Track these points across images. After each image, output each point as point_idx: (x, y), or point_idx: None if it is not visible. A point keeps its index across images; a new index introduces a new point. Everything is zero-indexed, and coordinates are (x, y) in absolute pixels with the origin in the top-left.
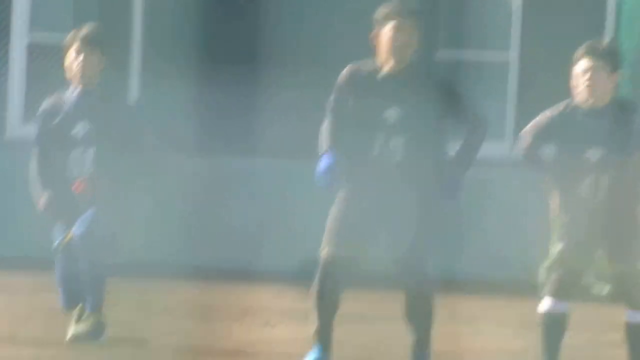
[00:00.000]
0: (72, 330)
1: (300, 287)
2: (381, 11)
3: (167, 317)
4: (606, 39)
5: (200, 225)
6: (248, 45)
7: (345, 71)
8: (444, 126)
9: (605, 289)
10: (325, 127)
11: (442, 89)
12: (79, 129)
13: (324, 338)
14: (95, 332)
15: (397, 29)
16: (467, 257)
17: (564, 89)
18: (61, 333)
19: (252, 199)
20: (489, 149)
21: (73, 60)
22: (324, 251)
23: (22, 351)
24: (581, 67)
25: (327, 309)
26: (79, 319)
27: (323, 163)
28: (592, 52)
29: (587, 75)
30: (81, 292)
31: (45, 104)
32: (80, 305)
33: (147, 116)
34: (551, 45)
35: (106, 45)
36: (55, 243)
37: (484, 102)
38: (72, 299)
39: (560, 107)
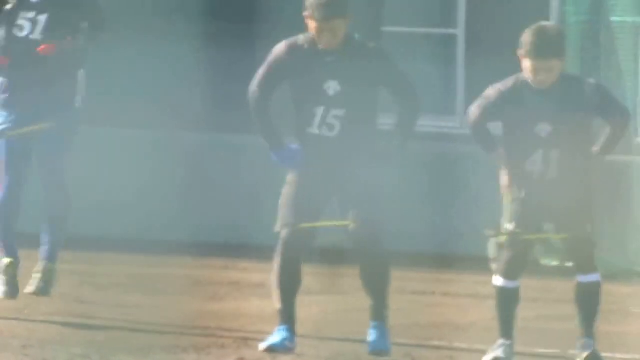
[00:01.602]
0: None
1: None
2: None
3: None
4: (551, 24)
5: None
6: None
7: (281, 47)
8: (377, 97)
9: (554, 261)
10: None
11: (376, 60)
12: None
13: (288, 318)
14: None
15: (323, 25)
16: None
17: (511, 62)
18: None
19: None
20: None
21: None
22: (282, 230)
23: None
24: (528, 66)
25: (289, 286)
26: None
27: (288, 155)
28: (538, 54)
29: (536, 75)
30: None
31: None
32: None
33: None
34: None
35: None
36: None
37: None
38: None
39: (509, 82)
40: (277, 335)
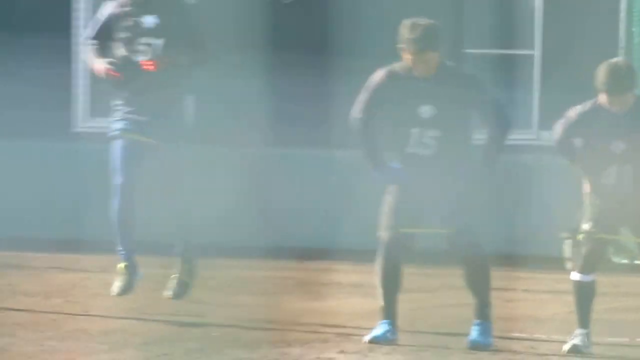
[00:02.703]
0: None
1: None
2: (404, 34)
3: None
4: (621, 60)
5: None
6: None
7: (380, 74)
8: (469, 118)
9: (624, 259)
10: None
11: (468, 86)
12: (147, 21)
13: (390, 313)
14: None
15: (417, 57)
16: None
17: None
18: None
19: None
20: None
21: None
22: (384, 233)
23: None
24: (604, 98)
25: (391, 285)
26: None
27: (389, 173)
28: (611, 91)
29: (612, 106)
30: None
31: (111, 6)
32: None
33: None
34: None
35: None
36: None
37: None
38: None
39: (587, 105)
40: (379, 329)
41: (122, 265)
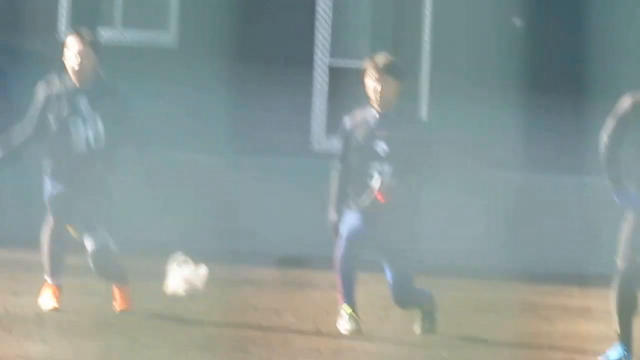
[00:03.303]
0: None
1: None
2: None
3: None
4: None
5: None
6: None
7: (627, 101)
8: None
9: None
10: None
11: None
12: (379, 147)
13: (626, 338)
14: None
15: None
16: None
17: None
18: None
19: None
20: None
21: (372, 86)
22: (620, 261)
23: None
24: None
25: (625, 311)
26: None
27: (628, 198)
28: None
29: None
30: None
31: (348, 121)
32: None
33: (437, 134)
34: None
35: (401, 73)
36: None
37: None
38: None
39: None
40: (615, 351)
41: (347, 309)
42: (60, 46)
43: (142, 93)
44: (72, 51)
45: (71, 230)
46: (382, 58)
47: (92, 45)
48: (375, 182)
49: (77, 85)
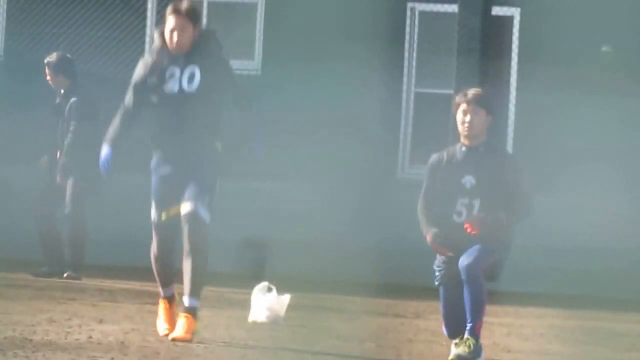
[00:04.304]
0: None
1: None
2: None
3: None
4: None
5: None
6: None
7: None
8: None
9: None
10: None
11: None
12: (466, 181)
13: None
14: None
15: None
16: None
17: None
18: None
19: None
20: None
21: (461, 118)
22: None
23: None
24: None
25: None
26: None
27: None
28: None
29: None
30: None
31: (435, 157)
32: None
33: (521, 166)
34: None
35: (490, 105)
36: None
37: None
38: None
39: None
40: None
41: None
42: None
43: None
44: (169, 26)
45: (172, 211)
46: (472, 90)
47: (190, 17)
48: (463, 215)
49: (176, 52)
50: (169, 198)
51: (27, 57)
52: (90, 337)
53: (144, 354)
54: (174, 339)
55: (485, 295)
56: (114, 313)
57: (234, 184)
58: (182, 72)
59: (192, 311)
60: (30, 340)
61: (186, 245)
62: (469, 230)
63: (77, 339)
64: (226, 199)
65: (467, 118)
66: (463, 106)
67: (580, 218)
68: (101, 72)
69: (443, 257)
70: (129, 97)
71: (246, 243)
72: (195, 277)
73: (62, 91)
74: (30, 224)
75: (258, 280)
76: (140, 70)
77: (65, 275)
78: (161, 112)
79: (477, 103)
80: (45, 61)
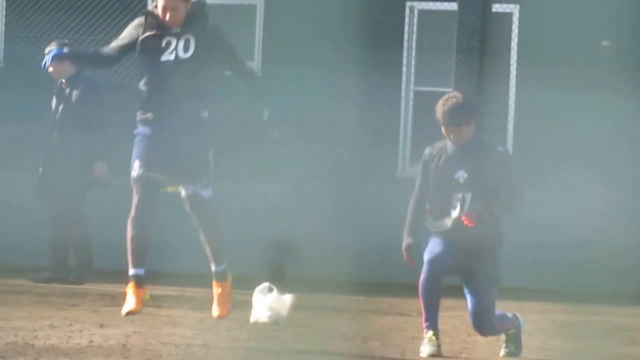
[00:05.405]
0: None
1: None
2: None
3: None
4: None
5: None
6: None
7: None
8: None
9: None
10: None
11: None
12: (459, 175)
13: None
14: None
15: (450, 133)
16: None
17: None
18: None
19: None
20: None
21: (446, 134)
22: None
23: None
24: None
25: None
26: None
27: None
28: None
29: None
30: None
31: (428, 152)
32: None
33: (510, 159)
34: None
35: (467, 117)
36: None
37: None
38: None
39: None
40: None
41: (430, 333)
42: None
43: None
44: (161, 4)
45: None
46: (446, 105)
47: None
48: (457, 209)
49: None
50: (154, 157)
51: (27, 64)
52: (92, 341)
53: (146, 357)
54: (218, 317)
55: (502, 324)
56: (116, 317)
57: (234, 184)
58: (177, 42)
59: (220, 276)
60: (32, 345)
61: (195, 221)
62: (465, 223)
63: (79, 344)
64: (227, 199)
65: (452, 136)
66: (443, 127)
67: (582, 214)
68: (100, 77)
69: (435, 248)
70: (111, 45)
71: (269, 246)
72: (213, 244)
73: (64, 80)
74: (29, 229)
75: (279, 281)
76: (132, 31)
77: (71, 278)
78: (153, 78)
79: (454, 123)
80: (47, 51)
